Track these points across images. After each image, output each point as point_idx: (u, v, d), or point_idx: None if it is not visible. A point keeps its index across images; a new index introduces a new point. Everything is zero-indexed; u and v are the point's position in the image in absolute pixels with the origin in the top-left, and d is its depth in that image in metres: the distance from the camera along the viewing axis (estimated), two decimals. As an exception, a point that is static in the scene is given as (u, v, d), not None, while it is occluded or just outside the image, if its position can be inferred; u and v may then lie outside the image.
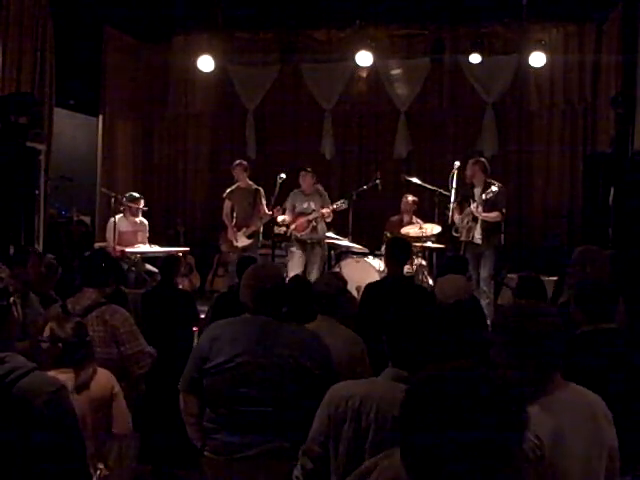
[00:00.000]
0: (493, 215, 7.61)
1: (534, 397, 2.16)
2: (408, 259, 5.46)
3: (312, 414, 2.63)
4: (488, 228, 7.66)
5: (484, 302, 7.58)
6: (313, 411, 2.67)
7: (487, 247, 7.66)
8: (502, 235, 7.79)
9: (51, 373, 2.88)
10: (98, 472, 3.07)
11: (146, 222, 8.64)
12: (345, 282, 5.04)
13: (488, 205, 7.61)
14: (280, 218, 8.27)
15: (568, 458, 2.12)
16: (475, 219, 7.70)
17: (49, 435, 1.97)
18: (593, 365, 2.64)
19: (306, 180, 8.25)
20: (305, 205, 8.26)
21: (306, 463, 2.42)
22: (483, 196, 7.57)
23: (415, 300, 2.64)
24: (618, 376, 2.71)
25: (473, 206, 7.64)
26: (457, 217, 7.87)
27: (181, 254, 8.06)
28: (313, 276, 7.81)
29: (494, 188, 7.52)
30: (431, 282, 8.05)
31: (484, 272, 7.68)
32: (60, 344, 3.17)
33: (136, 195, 8.55)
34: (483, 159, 8.08)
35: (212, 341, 3.08)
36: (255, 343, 3.04)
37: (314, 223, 8.20)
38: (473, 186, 7.82)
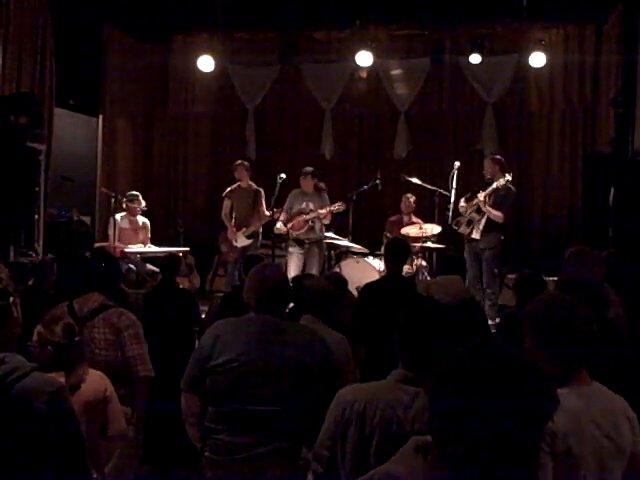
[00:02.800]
0: (495, 213, 7.55)
1: (566, 391, 2.17)
2: (407, 259, 5.45)
3: (315, 414, 2.62)
4: (489, 225, 7.62)
5: (488, 303, 7.56)
6: (316, 411, 2.66)
7: (486, 245, 7.62)
8: (502, 237, 7.75)
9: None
10: (95, 476, 3.05)
11: (148, 223, 8.66)
12: (345, 282, 5.04)
13: (496, 200, 7.55)
14: (278, 225, 8.21)
15: (585, 451, 2.13)
16: (479, 210, 7.62)
17: (49, 435, 1.97)
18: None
19: (306, 181, 8.24)
20: (304, 205, 8.25)
21: (317, 468, 2.42)
22: (495, 184, 7.50)
23: (427, 302, 2.64)
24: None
25: (481, 194, 7.57)
26: (463, 205, 7.81)
27: (181, 254, 8.06)
28: None
29: (508, 177, 7.43)
30: (431, 282, 8.04)
31: (485, 274, 7.63)
32: (50, 347, 3.14)
33: (136, 195, 8.57)
34: (500, 157, 7.94)
35: (215, 340, 3.07)
36: (258, 342, 3.04)
37: (311, 223, 8.18)
38: (490, 183, 7.74)
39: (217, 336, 3.09)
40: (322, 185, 8.43)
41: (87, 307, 3.86)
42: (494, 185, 7.48)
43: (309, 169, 8.28)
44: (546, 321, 2.24)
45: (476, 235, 7.63)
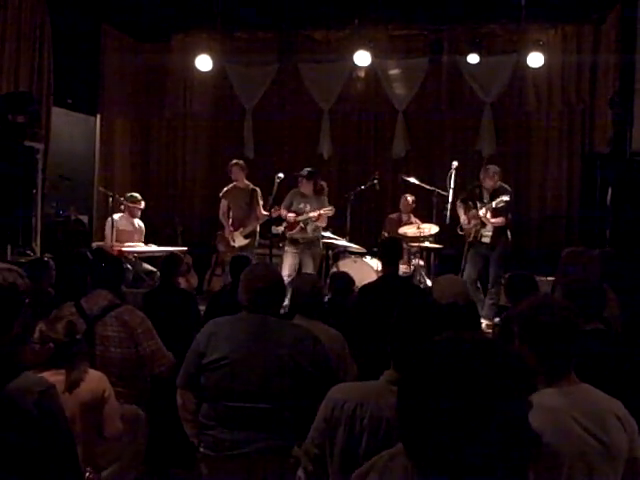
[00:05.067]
0: (499, 221, 7.58)
1: (549, 390, 2.21)
2: (400, 257, 5.47)
3: (307, 412, 2.61)
4: (496, 230, 7.62)
5: (489, 302, 7.58)
6: (308, 409, 2.66)
7: (495, 247, 7.65)
8: (509, 237, 7.77)
9: (44, 375, 2.87)
10: (87, 474, 3.06)
11: (143, 226, 8.65)
12: (352, 282, 5.06)
13: (496, 212, 7.58)
14: (284, 213, 8.18)
15: (567, 450, 2.12)
16: (483, 222, 7.68)
17: (39, 435, 1.96)
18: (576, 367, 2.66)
19: (303, 184, 8.15)
20: (301, 205, 8.16)
21: (307, 465, 2.43)
22: (494, 204, 7.51)
23: (418, 301, 2.62)
24: (600, 378, 2.73)
25: (482, 212, 7.60)
26: (463, 217, 7.82)
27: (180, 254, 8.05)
28: None
29: (505, 198, 7.44)
30: (429, 282, 8.04)
31: (492, 273, 7.66)
32: (51, 344, 3.17)
33: (137, 196, 8.56)
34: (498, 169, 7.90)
35: (209, 338, 3.13)
36: (251, 341, 3.08)
37: (302, 225, 8.10)
38: (481, 186, 7.76)
39: (211, 334, 3.14)
40: (323, 184, 8.34)
41: (97, 305, 3.90)
42: (493, 205, 7.50)
43: (304, 172, 8.07)
44: (530, 323, 2.28)
45: (486, 239, 7.66)
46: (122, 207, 8.43)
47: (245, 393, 3.01)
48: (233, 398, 3.03)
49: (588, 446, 2.14)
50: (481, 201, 7.69)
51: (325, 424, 2.36)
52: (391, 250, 5.24)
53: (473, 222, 7.71)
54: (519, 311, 2.39)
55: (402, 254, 5.70)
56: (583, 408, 2.19)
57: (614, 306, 3.63)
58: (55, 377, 3.01)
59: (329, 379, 3.05)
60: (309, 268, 8.06)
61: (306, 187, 8.12)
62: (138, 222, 8.60)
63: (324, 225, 8.22)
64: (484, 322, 7.38)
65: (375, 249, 8.36)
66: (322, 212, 7.99)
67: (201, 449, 3.14)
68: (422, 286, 7.87)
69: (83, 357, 3.30)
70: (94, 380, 3.29)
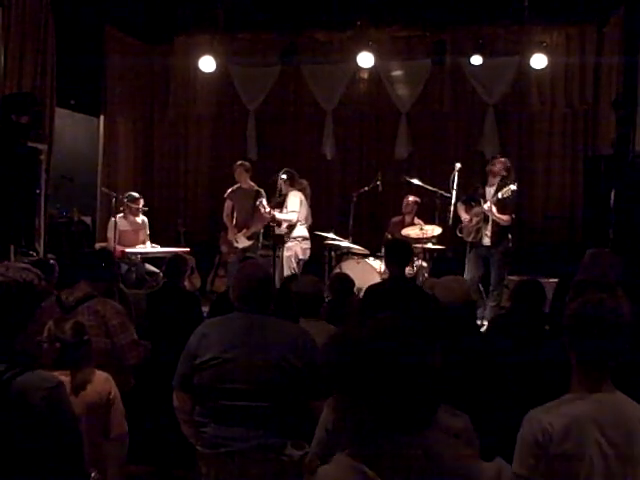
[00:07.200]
0: (504, 218, 7.56)
1: (580, 395, 2.20)
2: (408, 260, 5.44)
3: (298, 409, 2.60)
4: (497, 230, 7.62)
5: (491, 304, 7.57)
6: (299, 406, 2.65)
7: (495, 249, 7.63)
8: (510, 238, 7.76)
9: (51, 374, 2.88)
10: (93, 474, 3.05)
11: (146, 220, 8.66)
12: (352, 283, 5.06)
13: (500, 206, 7.56)
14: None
15: (588, 456, 2.12)
16: (486, 219, 7.63)
17: (47, 431, 1.97)
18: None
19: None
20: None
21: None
22: (499, 195, 7.48)
23: (412, 303, 2.56)
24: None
25: (486, 206, 7.57)
26: (465, 215, 7.80)
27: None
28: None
29: (512, 187, 7.44)
30: (431, 284, 8.02)
31: (494, 275, 7.65)
32: (58, 344, 3.17)
33: (136, 195, 8.58)
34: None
35: (201, 338, 3.17)
36: (242, 339, 3.12)
37: (271, 224, 8.05)
38: (484, 184, 7.75)
39: (203, 334, 3.19)
40: (288, 186, 8.26)
41: (73, 296, 3.94)
42: (499, 195, 7.47)
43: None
44: (577, 320, 2.25)
45: (487, 241, 7.63)
46: (122, 208, 8.44)
47: (238, 392, 3.04)
48: (226, 397, 3.06)
49: (608, 456, 2.13)
50: (484, 199, 7.67)
51: (327, 435, 2.32)
52: (401, 252, 5.20)
53: (475, 220, 7.69)
54: (570, 305, 2.35)
55: (411, 257, 5.64)
56: (611, 418, 2.17)
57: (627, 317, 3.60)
58: (61, 378, 3.00)
59: (319, 376, 3.08)
60: (277, 272, 7.86)
61: (279, 186, 8.10)
62: (141, 219, 8.60)
63: (280, 226, 8.08)
64: (486, 324, 7.37)
65: (379, 253, 8.34)
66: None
67: (198, 447, 3.17)
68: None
69: (89, 359, 3.30)
70: (100, 382, 3.29)
